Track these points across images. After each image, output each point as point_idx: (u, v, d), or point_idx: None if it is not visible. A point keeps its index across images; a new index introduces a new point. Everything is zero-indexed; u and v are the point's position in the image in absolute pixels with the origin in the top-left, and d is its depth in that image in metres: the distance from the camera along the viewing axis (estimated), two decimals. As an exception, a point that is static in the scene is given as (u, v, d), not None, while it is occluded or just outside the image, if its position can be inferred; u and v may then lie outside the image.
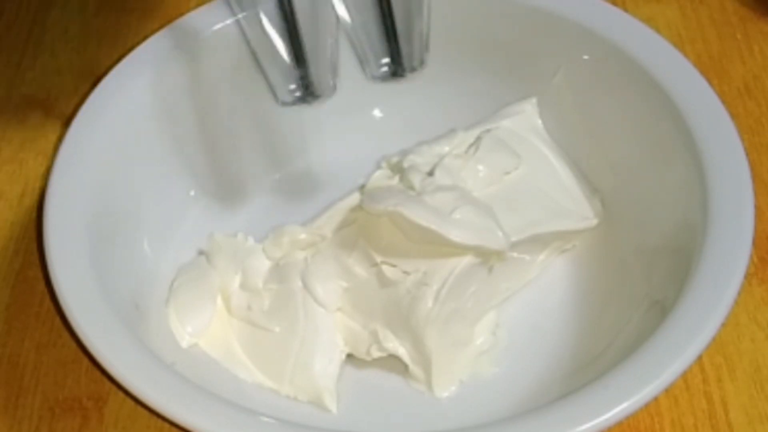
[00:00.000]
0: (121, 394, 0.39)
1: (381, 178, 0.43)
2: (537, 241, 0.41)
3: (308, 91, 0.37)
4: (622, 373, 0.33)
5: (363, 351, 0.40)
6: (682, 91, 0.40)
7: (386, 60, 0.37)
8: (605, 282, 0.41)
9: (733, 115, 0.39)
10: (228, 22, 0.43)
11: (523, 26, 0.44)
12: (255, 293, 0.40)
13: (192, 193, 0.44)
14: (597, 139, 0.44)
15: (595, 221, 0.42)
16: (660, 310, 0.36)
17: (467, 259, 0.38)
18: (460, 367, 0.39)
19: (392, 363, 0.40)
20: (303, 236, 0.41)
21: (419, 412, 0.39)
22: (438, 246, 0.38)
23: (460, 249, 0.38)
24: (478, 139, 0.43)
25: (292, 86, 0.37)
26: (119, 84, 0.42)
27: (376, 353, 0.39)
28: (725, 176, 0.37)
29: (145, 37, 0.43)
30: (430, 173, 0.41)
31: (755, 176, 0.38)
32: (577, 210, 0.42)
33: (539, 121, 0.45)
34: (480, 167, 0.42)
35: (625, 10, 0.45)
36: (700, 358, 0.34)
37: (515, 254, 0.40)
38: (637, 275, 0.40)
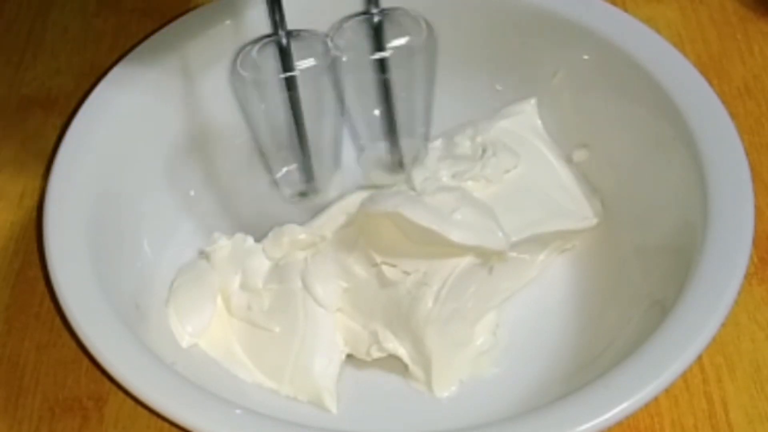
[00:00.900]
0: (121, 394, 0.39)
1: (380, 177, 0.43)
2: (537, 241, 0.41)
3: (310, 186, 0.40)
4: (622, 373, 0.33)
5: (363, 351, 0.39)
6: (682, 91, 0.40)
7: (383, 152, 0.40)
8: (605, 282, 0.41)
9: (733, 115, 0.39)
10: (227, 22, 0.43)
11: (523, 26, 0.44)
12: (255, 293, 0.40)
13: (192, 193, 0.44)
14: (597, 139, 0.44)
15: (595, 221, 0.42)
16: (660, 310, 0.36)
17: (467, 260, 0.38)
18: (460, 367, 0.39)
19: (392, 363, 0.40)
20: (303, 236, 0.41)
21: (419, 412, 0.39)
22: (438, 246, 0.38)
23: (460, 249, 0.38)
24: (478, 139, 0.43)
25: (297, 186, 0.40)
26: (119, 84, 0.42)
27: (376, 353, 0.39)
28: (725, 176, 0.37)
29: (145, 37, 0.43)
30: (431, 173, 0.41)
31: (755, 176, 0.38)
32: (576, 210, 0.42)
33: (539, 121, 0.45)
34: (480, 167, 0.42)
35: (625, 10, 0.45)
36: (700, 358, 0.34)
37: (515, 254, 0.40)
38: (637, 275, 0.40)
